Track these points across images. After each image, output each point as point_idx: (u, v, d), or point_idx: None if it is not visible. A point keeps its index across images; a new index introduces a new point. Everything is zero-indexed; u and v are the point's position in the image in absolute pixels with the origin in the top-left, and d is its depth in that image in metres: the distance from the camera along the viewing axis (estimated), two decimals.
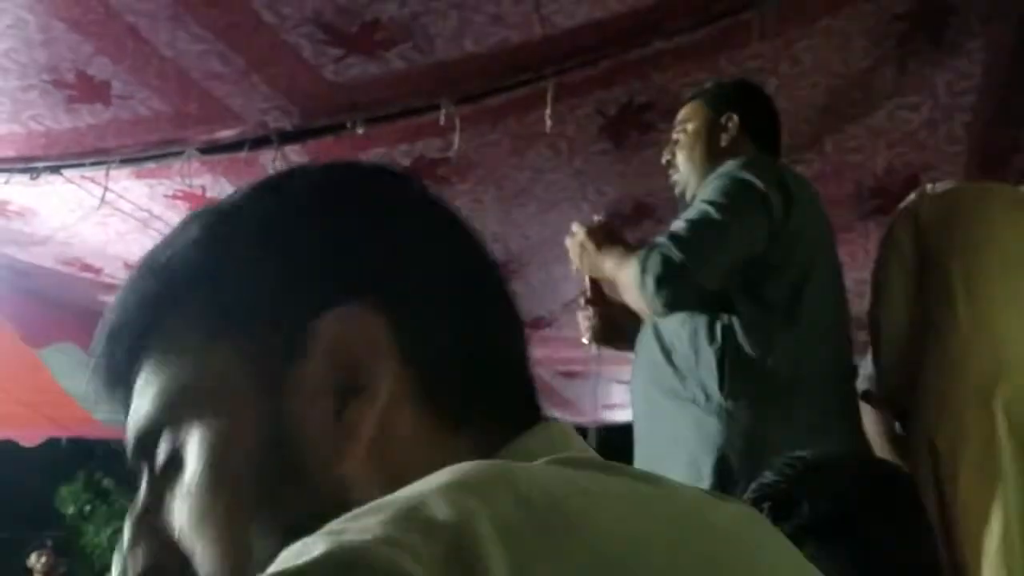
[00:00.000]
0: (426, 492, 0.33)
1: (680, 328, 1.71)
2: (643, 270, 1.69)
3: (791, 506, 0.99)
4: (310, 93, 2.10)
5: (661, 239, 1.70)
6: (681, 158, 1.91)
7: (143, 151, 2.40)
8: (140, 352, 0.47)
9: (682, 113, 1.93)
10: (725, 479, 1.58)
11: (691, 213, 1.73)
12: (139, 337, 0.47)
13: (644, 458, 1.75)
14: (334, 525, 0.32)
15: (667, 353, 1.72)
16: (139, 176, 2.49)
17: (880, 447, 2.34)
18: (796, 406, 1.63)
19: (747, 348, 1.64)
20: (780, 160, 1.92)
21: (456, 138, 2.15)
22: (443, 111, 2.10)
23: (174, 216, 2.66)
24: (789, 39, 2.10)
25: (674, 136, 1.93)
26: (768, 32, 2.02)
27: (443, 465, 0.37)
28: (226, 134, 2.31)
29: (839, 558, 0.95)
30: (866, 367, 2.36)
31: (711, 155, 1.86)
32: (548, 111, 2.12)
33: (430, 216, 0.51)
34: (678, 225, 1.72)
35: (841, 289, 1.85)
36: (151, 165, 2.43)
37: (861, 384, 2.36)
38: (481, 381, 0.46)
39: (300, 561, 0.30)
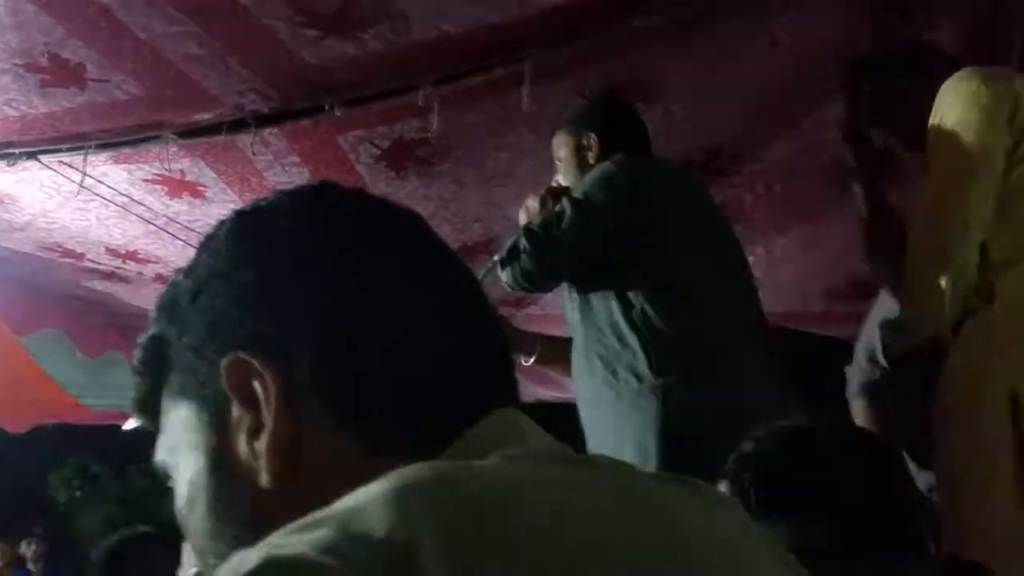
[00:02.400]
0: (366, 501, 0.34)
1: (602, 319, 1.84)
2: (503, 264, 1.91)
3: (774, 475, 1.00)
4: (287, 75, 2.09)
5: (522, 240, 1.88)
6: (563, 184, 2.05)
7: (120, 136, 2.38)
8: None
9: (553, 145, 2.08)
10: (670, 453, 1.69)
11: (550, 215, 1.90)
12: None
13: (595, 445, 1.84)
14: (275, 538, 0.34)
15: (602, 342, 1.84)
16: (117, 161, 2.47)
17: (868, 418, 2.34)
18: (722, 375, 1.74)
19: (664, 329, 1.77)
20: (648, 155, 2.03)
21: (435, 119, 2.15)
22: (421, 92, 2.10)
23: (155, 201, 2.65)
24: (766, 16, 2.10)
25: (556, 166, 2.09)
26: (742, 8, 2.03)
27: (367, 483, 0.40)
28: (203, 117, 2.29)
29: (824, 527, 0.97)
30: (866, 357, 2.37)
31: (582, 174, 2.00)
32: (526, 91, 2.12)
33: (361, 246, 0.52)
34: (537, 225, 1.89)
35: (737, 259, 1.96)
36: (128, 150, 2.41)
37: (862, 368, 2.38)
38: (409, 400, 0.48)
39: (237, 572, 0.32)
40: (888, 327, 1.62)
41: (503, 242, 2.86)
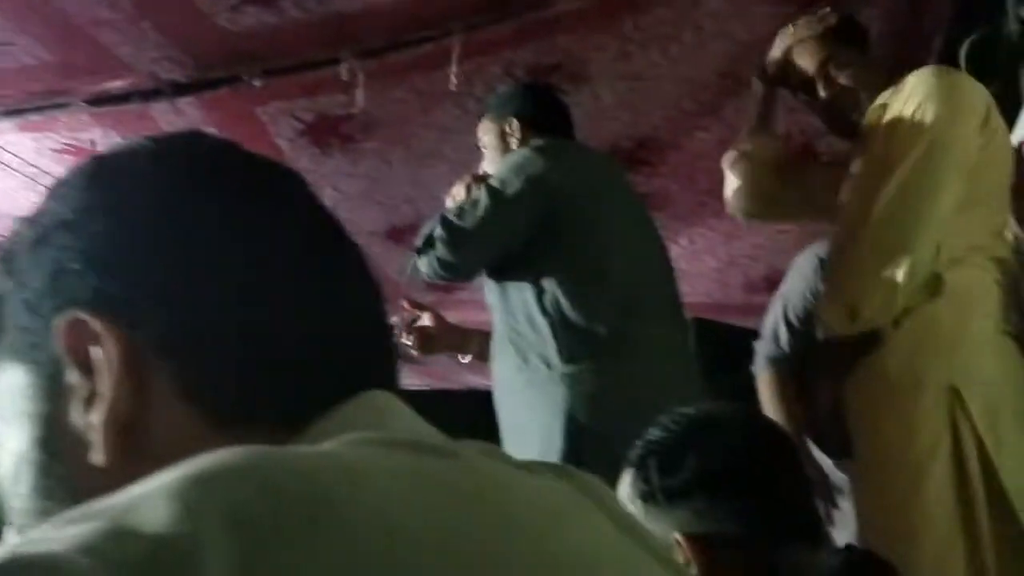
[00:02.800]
0: (151, 490, 0.31)
1: (516, 305, 1.84)
2: (419, 253, 1.89)
3: (678, 461, 1.00)
4: (204, 42, 2.02)
5: (438, 229, 1.85)
6: (488, 171, 2.04)
7: (27, 103, 2.27)
8: None
9: (479, 132, 2.05)
10: (575, 440, 1.69)
11: (466, 203, 1.88)
12: None
13: (507, 431, 1.85)
14: (41, 530, 0.30)
15: (513, 330, 1.84)
16: (24, 129, 2.36)
17: (775, 408, 2.39)
18: (631, 363, 1.74)
19: (572, 316, 1.76)
20: (572, 142, 2.01)
21: (359, 94, 2.10)
22: (345, 65, 2.05)
23: (64, 172, 2.54)
24: (693, 4, 2.12)
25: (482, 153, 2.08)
26: None
27: None
28: (115, 85, 2.20)
29: (726, 511, 0.98)
30: (776, 331, 2.42)
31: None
32: (454, 69, 2.09)
33: (227, 201, 0.47)
34: (452, 213, 1.88)
35: (655, 248, 1.96)
36: (36, 117, 2.30)
37: (767, 348, 2.43)
38: (268, 374, 0.44)
39: None
40: (834, 308, 1.61)
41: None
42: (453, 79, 2.09)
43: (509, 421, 1.87)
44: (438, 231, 1.87)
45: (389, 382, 0.47)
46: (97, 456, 0.42)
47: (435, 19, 2.02)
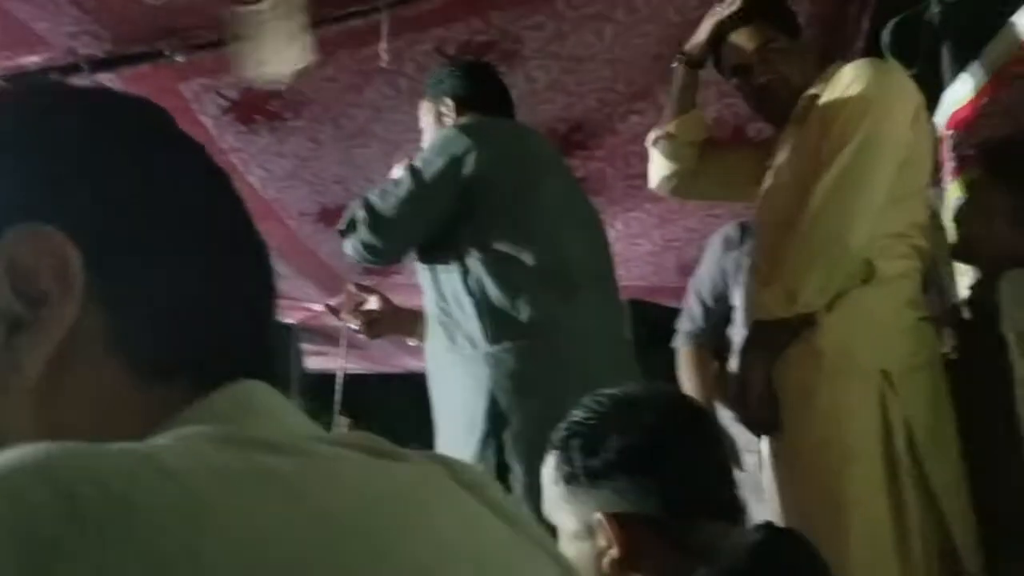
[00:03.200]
0: None
1: (445, 286, 1.84)
2: (342, 235, 1.91)
3: (600, 441, 1.00)
4: (123, 16, 1.94)
5: (360, 211, 1.86)
6: None
7: None
8: None
9: (420, 111, 2.06)
10: (496, 420, 1.71)
11: (389, 184, 1.89)
12: None
13: (437, 412, 1.86)
14: None
15: (443, 311, 1.84)
16: None
17: (691, 380, 2.43)
18: (555, 345, 1.75)
19: (496, 296, 1.77)
20: (503, 120, 1.99)
21: None
22: None
23: None
24: None
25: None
26: None
27: (117, 420, 0.37)
28: (31, 61, 2.11)
29: (647, 490, 0.98)
30: (691, 309, 2.48)
31: None
32: (383, 46, 2.05)
33: (167, 159, 0.47)
34: (375, 195, 1.88)
35: (588, 229, 1.96)
36: None
37: (685, 325, 2.48)
38: (190, 338, 0.43)
39: None
40: (772, 291, 1.64)
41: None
42: (384, 55, 2.05)
43: (439, 401, 1.86)
44: (360, 213, 1.86)
45: (270, 367, 0.46)
46: (14, 380, 0.39)
47: None
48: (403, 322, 2.11)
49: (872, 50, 2.18)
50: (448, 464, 0.43)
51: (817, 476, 1.61)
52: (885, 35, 1.95)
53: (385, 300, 2.11)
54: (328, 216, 2.88)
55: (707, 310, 2.44)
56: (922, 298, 1.69)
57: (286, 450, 0.36)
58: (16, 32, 2.00)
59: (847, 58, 2.35)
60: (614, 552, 0.95)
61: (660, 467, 0.99)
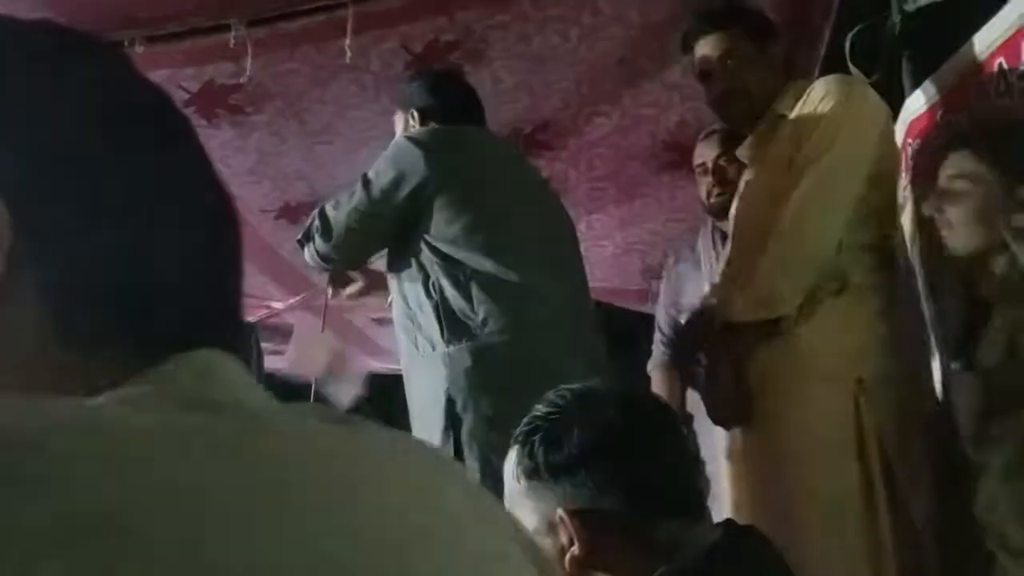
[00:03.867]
0: None
1: (409, 291, 1.89)
2: (301, 244, 1.98)
3: (562, 436, 0.99)
4: (81, 4, 1.90)
5: (316, 221, 1.93)
6: None
7: None
8: None
9: (395, 120, 2.10)
10: (452, 416, 1.76)
11: (343, 194, 1.94)
12: None
13: (411, 412, 1.91)
14: None
15: (407, 314, 1.90)
16: None
17: (668, 389, 2.48)
18: (510, 346, 1.79)
19: (453, 300, 1.82)
20: (462, 128, 2.01)
21: (248, 63, 2.02)
22: (233, 33, 1.97)
23: None
24: None
25: None
26: None
27: (38, 379, 0.36)
28: None
29: (609, 485, 0.97)
30: (658, 339, 2.56)
31: None
32: (348, 42, 2.03)
33: (105, 115, 0.44)
34: (330, 204, 1.94)
35: (551, 230, 1.99)
36: None
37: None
38: (133, 303, 0.42)
39: None
40: (745, 296, 1.69)
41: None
42: (348, 51, 2.03)
43: (409, 402, 1.91)
44: (316, 223, 1.92)
45: (230, 336, 0.44)
46: None
47: None
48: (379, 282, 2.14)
49: (833, 58, 2.21)
50: (406, 437, 0.42)
51: (789, 477, 1.65)
52: (847, 43, 1.97)
53: (364, 274, 2.15)
54: (290, 212, 2.84)
55: (667, 337, 2.64)
56: (893, 309, 1.73)
57: (227, 410, 0.35)
58: None
59: (809, 65, 2.39)
60: (575, 550, 0.94)
61: (622, 462, 0.98)
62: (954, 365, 1.61)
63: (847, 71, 1.96)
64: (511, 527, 0.43)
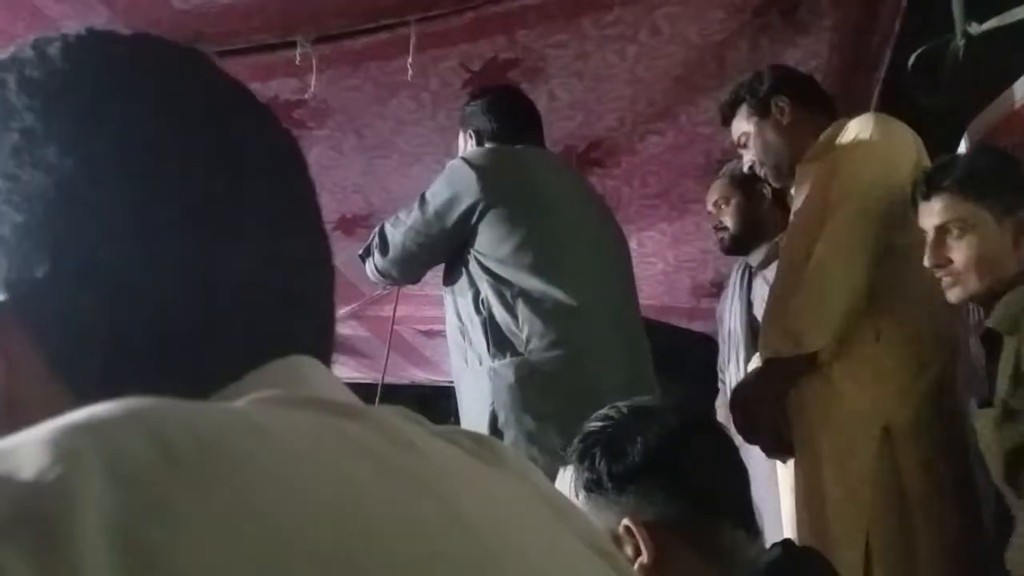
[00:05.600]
0: (25, 438, 0.28)
1: (461, 306, 1.95)
2: (362, 258, 2.08)
3: (625, 446, 1.00)
4: (153, 20, 1.96)
5: (376, 238, 2.04)
6: None
7: None
8: None
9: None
10: (495, 430, 1.80)
11: (403, 211, 2.02)
12: None
13: (461, 420, 1.96)
14: None
15: (459, 328, 1.96)
16: None
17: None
18: (551, 362, 1.82)
19: (500, 317, 1.87)
20: (517, 148, 2.04)
21: (313, 79, 2.07)
22: (299, 50, 2.02)
23: None
24: (651, 6, 2.13)
25: None
26: None
27: None
28: None
29: (674, 492, 0.98)
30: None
31: None
32: (410, 59, 2.07)
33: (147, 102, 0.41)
34: (390, 222, 2.04)
35: (604, 250, 2.02)
36: None
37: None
38: (140, 344, 0.38)
39: None
40: (780, 333, 1.74)
41: (383, 216, 2.83)
42: (410, 69, 2.07)
43: (461, 416, 1.96)
44: (375, 239, 2.03)
45: (317, 343, 0.42)
46: None
47: (393, 6, 2.00)
48: None
49: (894, 81, 2.20)
50: (491, 446, 0.41)
51: (813, 511, 1.69)
52: (909, 65, 1.96)
53: None
54: (346, 225, 2.89)
55: (724, 383, 2.58)
56: (935, 357, 1.73)
57: (356, 414, 0.35)
58: (44, 30, 2.02)
59: (868, 88, 2.38)
60: (644, 559, 0.94)
61: (687, 468, 1.00)
62: (973, 403, 1.60)
63: (908, 95, 1.95)
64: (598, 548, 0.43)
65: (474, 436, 0.41)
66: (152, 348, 0.38)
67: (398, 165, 2.61)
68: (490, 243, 1.90)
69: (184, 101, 0.42)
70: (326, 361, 0.43)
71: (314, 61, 2.04)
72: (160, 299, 0.38)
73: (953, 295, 1.56)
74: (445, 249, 1.97)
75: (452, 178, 1.94)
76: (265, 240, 0.42)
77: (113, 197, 0.38)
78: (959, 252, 1.53)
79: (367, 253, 2.06)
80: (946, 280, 1.55)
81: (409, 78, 2.13)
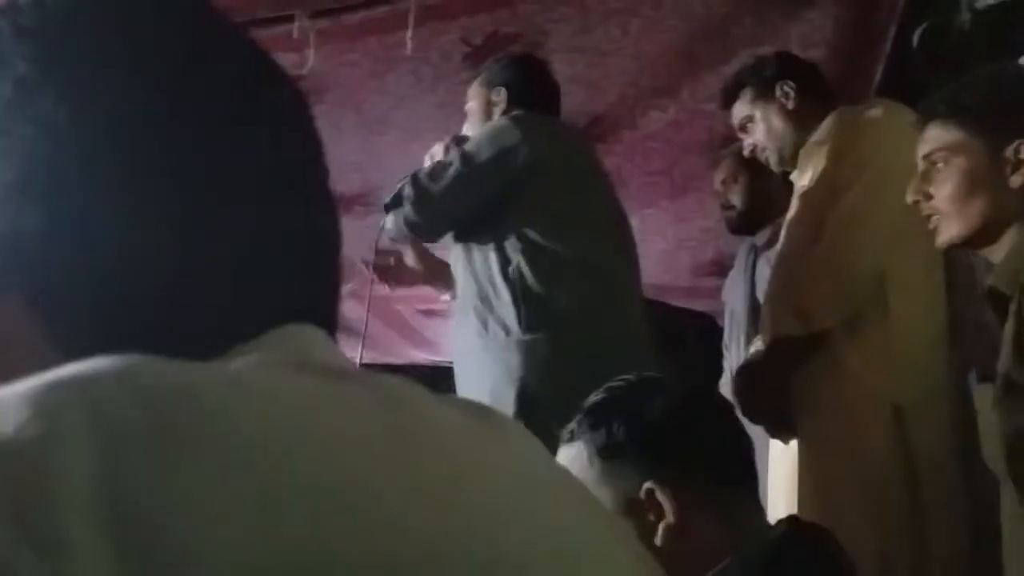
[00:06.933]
0: (11, 393, 0.27)
1: (481, 273, 1.88)
2: (387, 209, 2.00)
3: (641, 408, 1.00)
4: None
5: (408, 188, 1.92)
6: (468, 134, 2.07)
7: None
8: None
9: (468, 95, 2.09)
10: (526, 407, 1.74)
11: (438, 165, 1.94)
12: None
13: (464, 388, 1.89)
14: None
15: (478, 294, 1.88)
16: None
17: None
18: (587, 335, 1.79)
19: (535, 286, 1.81)
20: (551, 118, 2.04)
21: (311, 54, 2.04)
22: (297, 24, 1.99)
23: None
24: None
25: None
26: None
27: None
28: None
29: (692, 452, 0.98)
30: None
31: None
32: (409, 33, 2.05)
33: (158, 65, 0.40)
34: (424, 173, 1.94)
35: (619, 226, 2.00)
36: None
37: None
38: (137, 312, 0.37)
39: None
40: (787, 312, 1.72)
41: (380, 193, 2.80)
42: (409, 42, 2.05)
43: (464, 386, 1.89)
44: (407, 190, 1.92)
45: (322, 312, 0.41)
46: None
47: None
48: (442, 271, 2.15)
49: (898, 56, 2.18)
50: (490, 413, 0.41)
51: (820, 489, 1.67)
52: (914, 41, 1.94)
53: (425, 262, 2.18)
54: (343, 202, 2.87)
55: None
56: (945, 336, 1.72)
57: (361, 380, 0.35)
58: None
59: (873, 63, 2.35)
60: (670, 519, 0.93)
61: (704, 432, 1.00)
62: (971, 377, 1.58)
63: (912, 70, 1.93)
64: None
65: (475, 404, 0.41)
66: (146, 307, 0.37)
67: (396, 141, 2.58)
68: (531, 211, 1.85)
69: (187, 48, 0.40)
70: (331, 331, 0.41)
71: (311, 35, 2.02)
72: (156, 258, 0.37)
73: (938, 239, 1.39)
74: (480, 206, 1.89)
75: (499, 137, 1.89)
76: (268, 201, 0.40)
77: (109, 150, 0.37)
78: (940, 186, 1.36)
79: (395, 203, 1.97)
80: (932, 222, 1.40)
81: (408, 52, 2.11)
